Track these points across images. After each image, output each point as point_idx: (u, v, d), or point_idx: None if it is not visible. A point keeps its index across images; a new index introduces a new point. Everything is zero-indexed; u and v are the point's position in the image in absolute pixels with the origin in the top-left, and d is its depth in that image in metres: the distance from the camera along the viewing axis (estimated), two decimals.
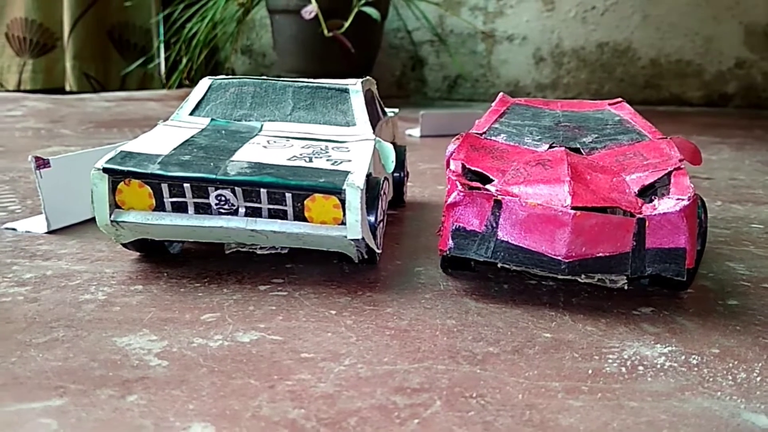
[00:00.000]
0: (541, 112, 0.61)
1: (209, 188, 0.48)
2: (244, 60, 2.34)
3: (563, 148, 0.53)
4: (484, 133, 0.58)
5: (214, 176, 0.47)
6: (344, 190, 0.47)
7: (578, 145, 0.55)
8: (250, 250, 0.52)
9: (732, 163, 1.13)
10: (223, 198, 0.48)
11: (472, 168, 0.51)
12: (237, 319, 0.43)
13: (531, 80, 2.12)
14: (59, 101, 1.76)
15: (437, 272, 0.53)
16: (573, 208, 0.44)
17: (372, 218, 0.50)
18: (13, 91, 1.94)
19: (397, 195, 0.73)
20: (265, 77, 0.63)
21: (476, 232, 0.47)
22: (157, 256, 0.54)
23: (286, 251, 0.53)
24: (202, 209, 0.49)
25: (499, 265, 0.47)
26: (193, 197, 0.49)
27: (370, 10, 1.73)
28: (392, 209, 0.73)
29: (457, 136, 0.59)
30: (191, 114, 0.60)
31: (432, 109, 1.80)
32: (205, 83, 0.62)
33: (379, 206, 0.51)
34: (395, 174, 0.72)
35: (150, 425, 0.31)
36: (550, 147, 0.55)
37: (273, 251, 0.52)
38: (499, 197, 0.46)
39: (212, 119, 0.59)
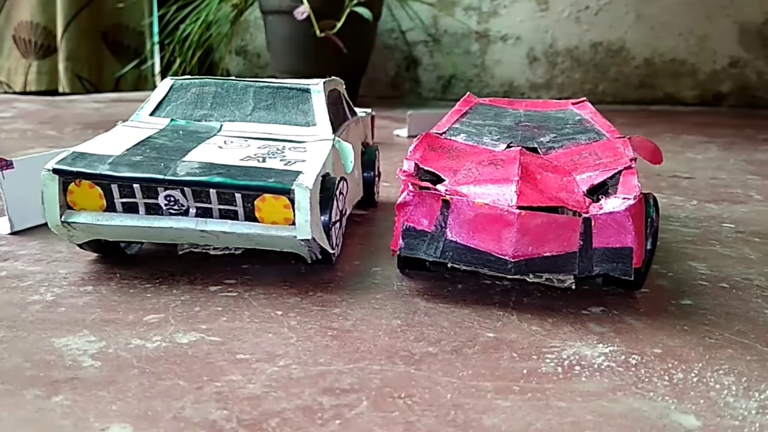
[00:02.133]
0: (503, 111, 0.61)
1: (158, 189, 0.48)
2: (238, 61, 2.35)
3: (519, 148, 0.53)
4: (444, 132, 0.57)
5: (162, 176, 0.47)
6: (293, 189, 0.47)
7: (536, 145, 0.55)
8: (204, 251, 0.52)
9: (716, 162, 1.12)
10: (172, 198, 0.48)
11: (425, 168, 0.50)
12: (180, 320, 0.43)
13: (525, 80, 2.11)
14: (51, 103, 1.77)
15: (394, 272, 0.53)
16: (519, 207, 0.43)
17: (325, 218, 0.50)
18: (20, 93, 1.95)
19: (367, 195, 0.73)
20: (227, 77, 0.63)
21: (426, 231, 0.47)
22: (114, 257, 0.54)
23: (240, 252, 0.52)
24: (153, 210, 0.49)
25: (449, 265, 0.47)
26: (143, 198, 0.48)
27: (362, 11, 1.73)
28: (363, 210, 0.73)
29: (417, 136, 0.59)
30: (151, 114, 0.60)
31: (427, 109, 1.79)
32: (166, 84, 0.62)
33: (335, 206, 0.51)
34: (365, 174, 0.72)
35: (69, 425, 0.31)
36: (508, 147, 0.55)
37: (227, 251, 0.52)
38: (448, 197, 0.46)
39: (172, 119, 0.58)
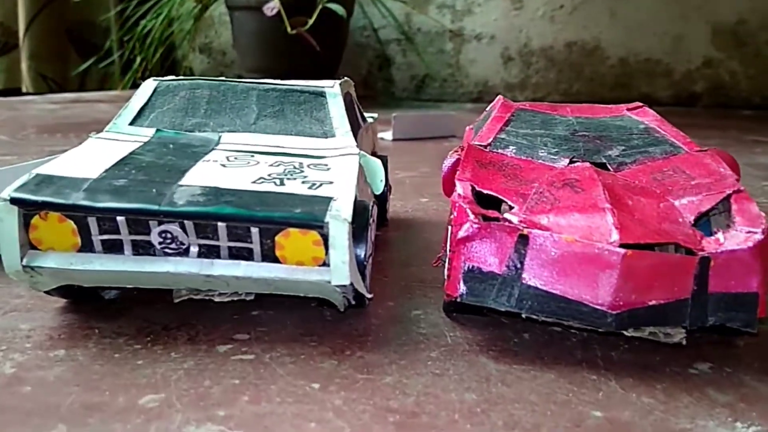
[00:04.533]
0: (551, 118, 0.51)
1: (151, 222, 0.36)
2: (202, 59, 2.20)
3: (588, 164, 0.43)
4: (489, 144, 0.47)
5: (156, 207, 0.36)
6: (327, 223, 0.36)
7: (603, 159, 0.45)
8: (206, 297, 0.41)
9: None
10: (168, 235, 0.37)
11: (484, 191, 0.40)
12: (187, 402, 0.32)
13: (500, 80, 2.03)
14: (3, 104, 1.60)
15: (439, 317, 0.43)
16: (622, 245, 0.33)
17: (360, 253, 0.39)
18: None
19: (379, 213, 0.62)
20: (223, 78, 0.51)
21: (495, 274, 0.36)
22: (88, 304, 0.42)
23: (251, 297, 0.41)
24: (143, 249, 0.37)
25: (523, 315, 0.37)
26: (131, 234, 0.37)
27: (336, 7, 1.62)
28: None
29: (455, 149, 0.48)
30: (132, 124, 0.48)
31: (400, 109, 1.69)
32: (149, 86, 0.50)
33: (368, 238, 0.40)
34: None
35: None
36: (571, 162, 0.45)
37: (236, 297, 0.41)
38: (525, 230, 0.35)
39: (157, 130, 0.47)
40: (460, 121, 1.36)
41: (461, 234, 0.37)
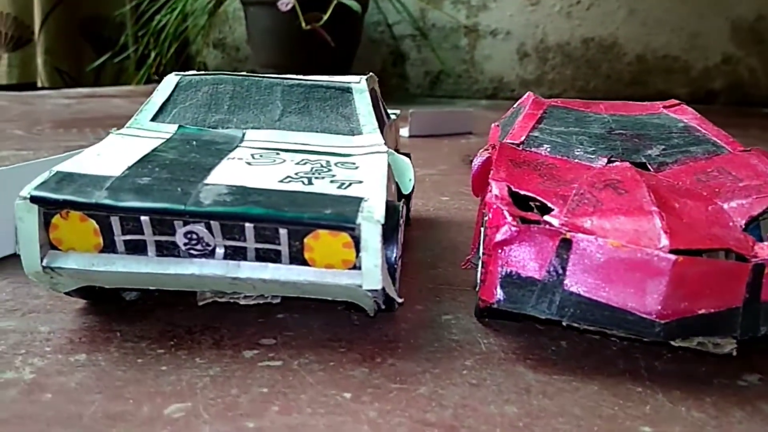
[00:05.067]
0: (585, 116, 0.49)
1: (176, 223, 0.35)
2: (216, 54, 2.19)
3: (627, 164, 0.41)
4: (523, 142, 0.45)
5: (182, 207, 0.34)
6: (359, 224, 0.34)
7: (643, 159, 0.43)
8: (231, 300, 0.39)
9: None
10: (194, 236, 0.35)
11: (521, 192, 0.38)
12: (215, 412, 0.30)
13: (515, 76, 2.00)
14: (18, 98, 1.59)
15: (471, 321, 0.41)
16: (672, 251, 0.32)
17: (391, 255, 0.37)
18: None
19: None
20: (246, 73, 0.50)
21: (535, 279, 0.34)
22: (108, 305, 0.41)
23: (278, 300, 0.39)
24: (167, 250, 0.36)
25: (564, 322, 0.35)
26: (155, 234, 0.35)
27: (350, 2, 1.60)
28: None
29: (485, 148, 0.47)
30: (153, 120, 0.46)
31: (414, 105, 1.67)
32: (171, 80, 0.49)
33: (398, 239, 0.38)
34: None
35: None
36: (609, 161, 0.43)
37: (261, 301, 0.39)
38: (568, 234, 0.33)
39: (180, 126, 0.45)
40: (477, 118, 1.34)
41: (499, 237, 0.35)
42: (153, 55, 1.80)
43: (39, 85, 1.79)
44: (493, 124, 0.60)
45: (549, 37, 1.98)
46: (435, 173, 0.89)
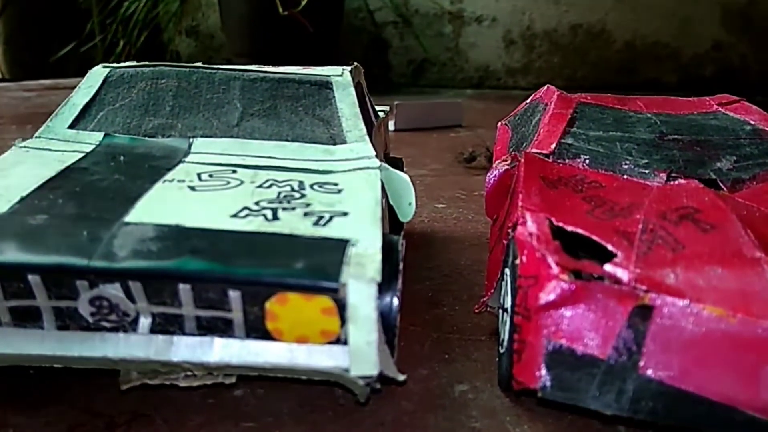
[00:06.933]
0: (625, 116, 0.38)
1: (78, 284, 0.23)
2: (189, 42, 2.05)
3: (695, 182, 0.30)
4: (554, 152, 0.34)
5: (84, 263, 0.23)
6: (344, 285, 0.23)
7: (712, 174, 0.32)
8: (167, 382, 0.28)
9: None
10: (105, 303, 0.24)
11: (566, 228, 0.27)
12: None
13: (501, 64, 1.89)
14: None
15: (494, 395, 0.30)
16: None
17: (390, 315, 0.26)
18: None
19: (394, 228, 0.49)
20: (195, 65, 0.38)
21: (596, 359, 0.24)
22: (1, 382, 0.29)
23: (232, 380, 0.28)
24: (70, 319, 0.24)
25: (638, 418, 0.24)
26: (51, 299, 0.24)
27: None
28: None
29: (504, 158, 0.36)
30: (72, 126, 0.34)
31: (398, 96, 1.55)
32: (97, 74, 0.37)
33: (397, 288, 0.27)
34: None
35: None
36: (669, 177, 0.32)
37: (209, 381, 0.28)
38: (646, 296, 0.23)
39: (106, 135, 0.33)
40: (466, 109, 1.23)
41: (545, 298, 0.24)
42: (121, 44, 1.66)
43: (0, 77, 1.65)
44: (499, 123, 0.49)
45: (536, 23, 1.87)
46: (426, 173, 0.78)
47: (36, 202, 0.26)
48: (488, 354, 0.33)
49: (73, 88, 0.38)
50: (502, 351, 0.29)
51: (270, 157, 0.32)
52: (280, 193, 0.29)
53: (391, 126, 1.11)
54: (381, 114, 0.51)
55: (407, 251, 0.37)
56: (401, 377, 0.26)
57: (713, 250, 0.24)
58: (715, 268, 0.23)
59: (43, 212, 0.25)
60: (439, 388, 0.30)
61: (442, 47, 1.91)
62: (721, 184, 0.32)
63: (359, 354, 0.23)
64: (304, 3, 1.46)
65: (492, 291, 0.34)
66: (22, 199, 0.26)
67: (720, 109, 0.39)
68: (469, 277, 0.44)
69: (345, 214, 0.27)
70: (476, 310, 0.36)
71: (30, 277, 0.23)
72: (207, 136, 0.34)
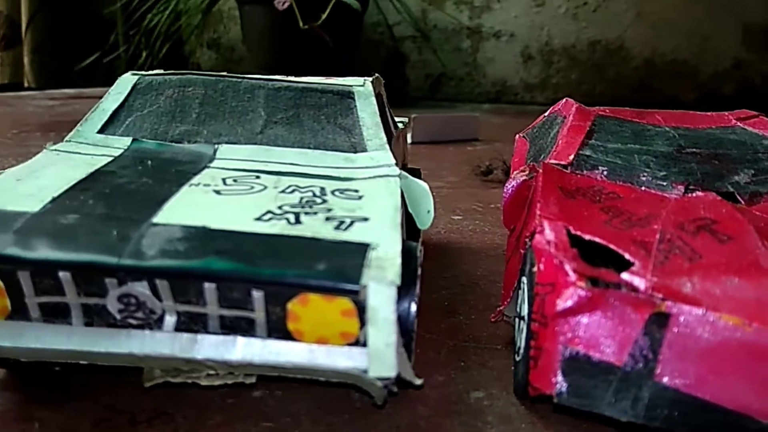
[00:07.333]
0: (644, 129, 0.38)
1: (107, 281, 0.24)
2: (210, 54, 2.08)
3: (713, 195, 0.31)
4: (572, 163, 0.35)
5: (114, 260, 0.24)
6: (365, 287, 0.23)
7: (730, 188, 0.33)
8: (189, 381, 0.28)
9: None
10: (132, 301, 0.24)
11: (584, 237, 0.28)
12: None
13: (519, 80, 1.90)
14: None
15: (509, 402, 0.30)
16: None
17: (408, 320, 0.26)
18: None
19: (412, 237, 0.50)
20: (221, 74, 0.39)
21: (612, 366, 0.24)
22: (28, 378, 0.30)
23: (252, 380, 0.29)
24: (98, 316, 0.25)
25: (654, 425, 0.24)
26: (80, 296, 0.25)
27: (350, 0, 1.49)
28: None
29: (522, 169, 0.36)
30: (102, 131, 0.35)
31: (415, 109, 1.56)
32: (126, 81, 0.38)
33: (415, 294, 0.28)
34: None
35: None
36: (687, 190, 0.32)
37: (230, 380, 0.28)
38: (663, 304, 0.23)
39: (134, 140, 0.34)
40: (483, 124, 1.24)
41: (562, 305, 0.24)
42: (144, 55, 1.69)
43: (26, 85, 1.68)
44: (517, 136, 0.49)
45: (554, 39, 1.88)
46: (443, 186, 0.78)
47: (67, 202, 0.27)
48: (504, 362, 0.34)
49: (96, 97, 0.39)
50: (518, 359, 0.30)
51: (292, 164, 0.33)
52: (302, 198, 0.29)
53: (409, 138, 1.12)
54: (400, 125, 0.52)
55: (424, 261, 0.37)
56: (418, 381, 0.27)
57: (730, 260, 0.25)
58: (732, 278, 0.24)
59: (74, 212, 0.26)
60: (455, 394, 0.31)
61: (459, 62, 1.92)
62: (738, 197, 0.32)
63: (378, 356, 0.24)
64: (324, 17, 1.48)
65: (508, 300, 0.34)
66: (54, 199, 0.27)
67: (738, 123, 0.39)
68: (486, 287, 0.45)
69: (365, 219, 0.27)
70: (492, 320, 0.36)
71: (61, 273, 0.24)
72: (232, 143, 0.35)
